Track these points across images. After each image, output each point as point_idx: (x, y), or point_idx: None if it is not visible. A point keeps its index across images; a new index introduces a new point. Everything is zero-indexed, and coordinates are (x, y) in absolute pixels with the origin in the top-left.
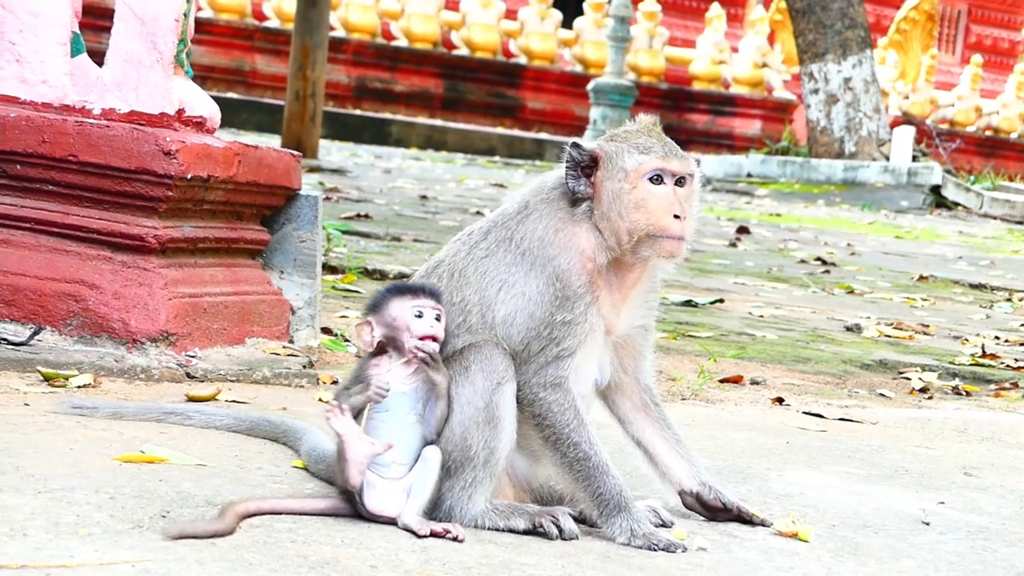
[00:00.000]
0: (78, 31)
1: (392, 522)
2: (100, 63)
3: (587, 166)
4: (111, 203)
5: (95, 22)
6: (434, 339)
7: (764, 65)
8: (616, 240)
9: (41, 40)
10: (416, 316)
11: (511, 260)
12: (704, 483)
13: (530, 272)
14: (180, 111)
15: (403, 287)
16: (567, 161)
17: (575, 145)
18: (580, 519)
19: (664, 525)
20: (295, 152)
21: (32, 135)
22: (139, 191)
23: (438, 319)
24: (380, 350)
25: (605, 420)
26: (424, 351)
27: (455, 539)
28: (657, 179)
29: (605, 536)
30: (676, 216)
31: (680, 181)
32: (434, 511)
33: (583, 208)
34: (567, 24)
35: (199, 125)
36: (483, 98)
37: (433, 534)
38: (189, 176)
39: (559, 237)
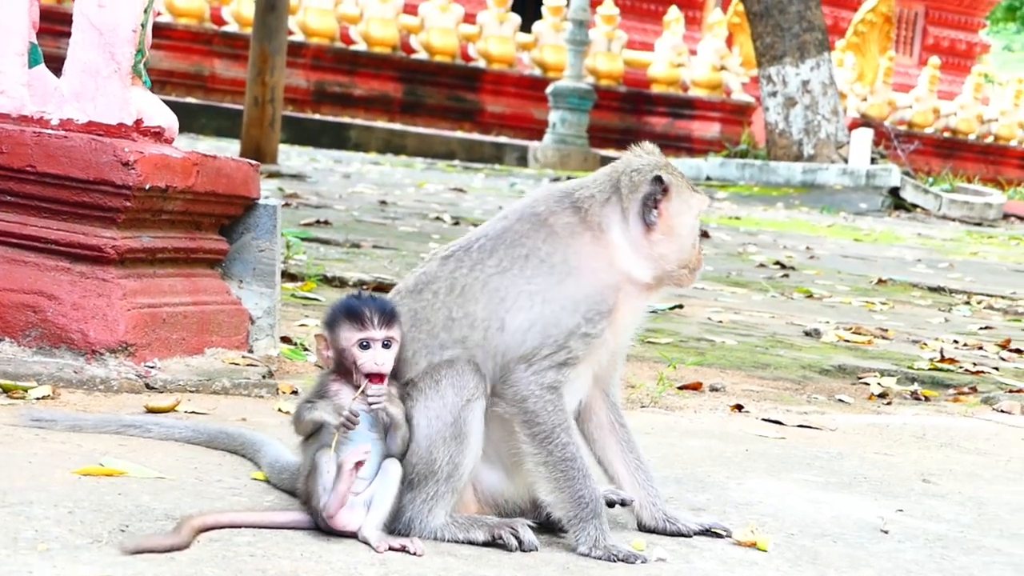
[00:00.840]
0: (35, 41)
1: (354, 535)
2: (57, 70)
3: (658, 198)
4: (69, 214)
5: (54, 27)
6: (380, 376)
7: (722, 68)
8: (665, 269)
9: None
10: (362, 348)
11: (533, 272)
12: (664, 518)
13: (564, 283)
14: (138, 121)
15: (353, 311)
16: (647, 196)
17: (659, 179)
18: (540, 528)
19: (624, 503)
20: (253, 162)
21: None
22: (97, 202)
23: (387, 346)
24: (339, 367)
25: None
26: (373, 404)
27: (413, 553)
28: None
29: (568, 543)
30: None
31: None
32: (394, 523)
33: (616, 230)
34: (526, 28)
35: (157, 135)
36: (442, 102)
37: (391, 549)
38: (147, 187)
39: (592, 251)
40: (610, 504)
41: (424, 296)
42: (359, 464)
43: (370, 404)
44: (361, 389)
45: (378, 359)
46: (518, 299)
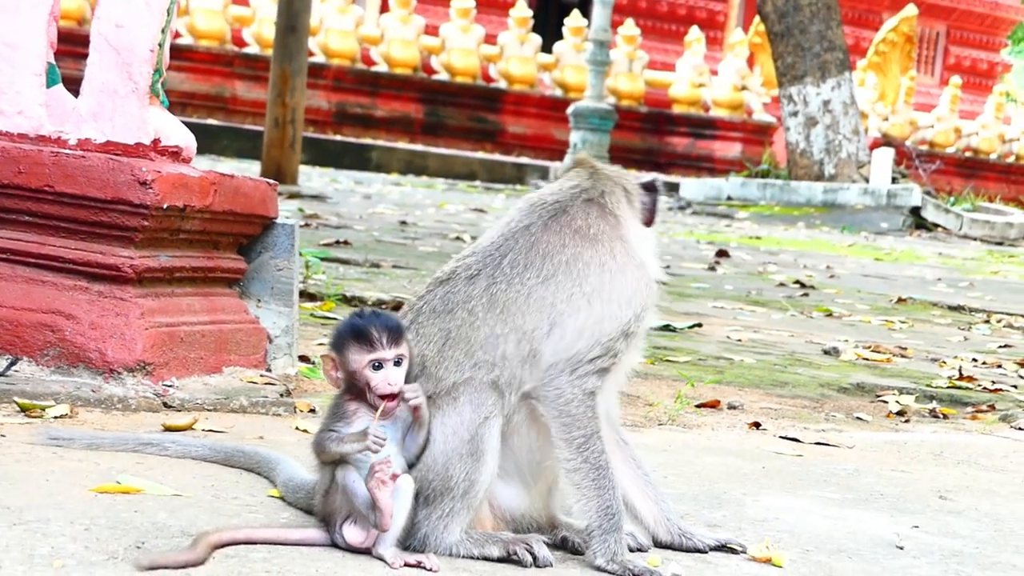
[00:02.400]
0: (53, 61)
1: (368, 551)
2: (76, 91)
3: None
4: (87, 233)
5: (73, 49)
6: (393, 397)
7: (744, 88)
8: (658, 272)
9: (17, 71)
10: (374, 369)
11: (579, 276)
12: (679, 532)
13: (615, 279)
14: (156, 141)
15: (360, 332)
16: (656, 200)
17: (655, 184)
18: (554, 547)
19: (640, 549)
20: (271, 181)
21: (8, 166)
22: (115, 221)
23: (398, 363)
24: (350, 387)
25: None
26: (413, 404)
27: (429, 569)
28: None
29: (588, 555)
30: None
31: None
32: (409, 539)
33: (634, 232)
34: (547, 48)
35: (175, 155)
36: (463, 123)
37: (407, 565)
38: (165, 206)
39: (630, 251)
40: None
41: (458, 315)
42: (394, 475)
43: (413, 404)
44: (380, 411)
45: (391, 379)
46: (571, 300)
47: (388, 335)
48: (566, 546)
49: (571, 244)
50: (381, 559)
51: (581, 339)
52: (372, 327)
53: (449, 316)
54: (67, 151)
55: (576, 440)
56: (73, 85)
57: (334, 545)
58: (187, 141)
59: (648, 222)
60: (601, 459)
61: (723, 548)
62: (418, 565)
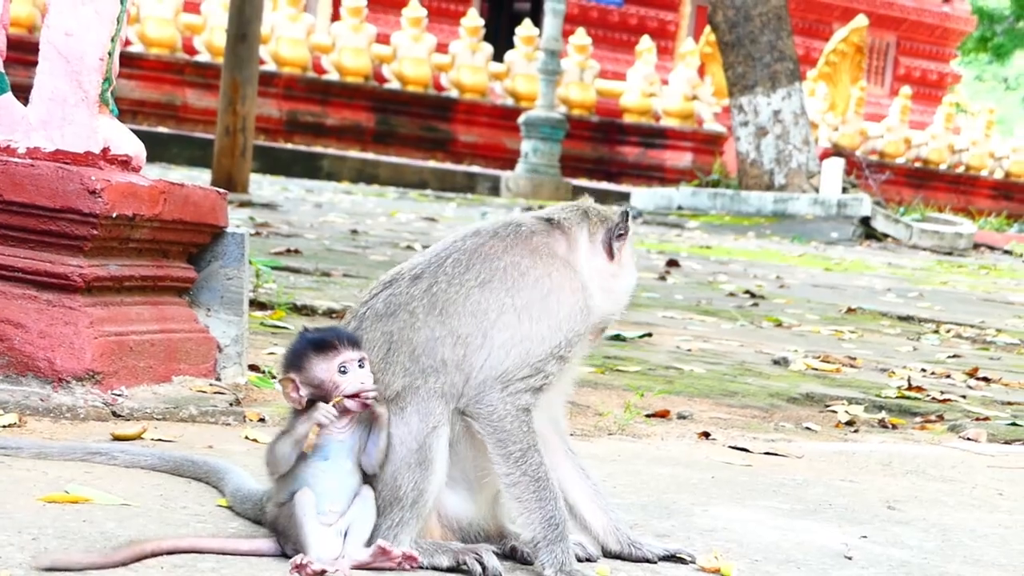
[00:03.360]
0: (2, 70)
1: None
2: (26, 99)
3: (621, 235)
4: (36, 242)
5: (23, 57)
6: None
7: (694, 98)
8: (614, 304)
9: None
10: (341, 373)
11: (514, 286)
12: (629, 542)
13: (547, 299)
14: (105, 150)
15: (320, 342)
16: (620, 227)
17: (627, 214)
18: (503, 556)
19: (589, 559)
20: (221, 190)
21: None
22: (64, 230)
23: (361, 365)
24: (310, 403)
25: None
26: (365, 403)
27: (418, 565)
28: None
29: (536, 567)
30: None
31: None
32: None
33: (584, 257)
34: (498, 57)
35: (124, 164)
36: (415, 132)
37: (406, 559)
38: (114, 215)
39: (568, 276)
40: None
41: (400, 317)
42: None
43: (366, 405)
44: (339, 396)
45: (362, 378)
46: (502, 314)
47: (346, 339)
48: (515, 556)
49: (512, 252)
50: (358, 565)
51: (509, 357)
52: (329, 335)
53: (391, 319)
54: (16, 160)
55: (513, 454)
56: (23, 93)
57: (284, 556)
58: (137, 150)
59: (609, 254)
60: (540, 471)
61: (672, 558)
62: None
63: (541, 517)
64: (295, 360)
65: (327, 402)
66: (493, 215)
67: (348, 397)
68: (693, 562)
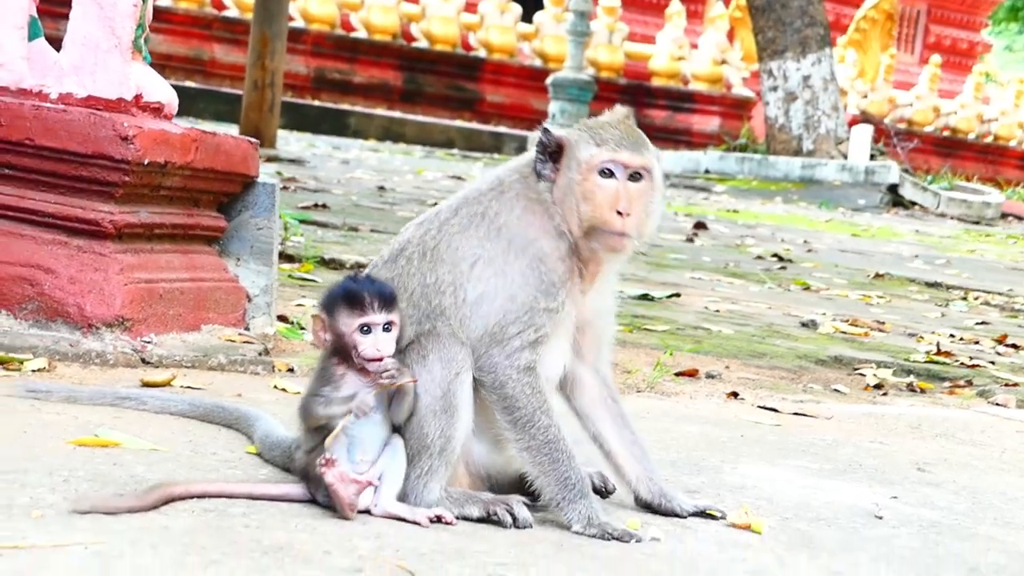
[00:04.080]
0: (36, 15)
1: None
2: (58, 49)
3: (554, 151)
4: (67, 188)
5: (53, 9)
6: (381, 360)
7: (723, 62)
8: (568, 228)
9: None
10: (363, 333)
11: (485, 234)
12: (660, 493)
13: (509, 251)
14: (137, 96)
15: (352, 295)
16: (537, 145)
17: (545, 130)
18: (533, 507)
19: (605, 488)
20: (252, 139)
21: None
22: (95, 176)
23: (387, 329)
24: (335, 350)
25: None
26: (383, 378)
27: (448, 523)
28: (608, 172)
29: (561, 523)
30: (619, 212)
31: (635, 176)
32: None
33: (550, 192)
34: (527, 18)
35: (156, 111)
36: (442, 91)
37: (437, 519)
38: (146, 162)
39: (537, 219)
40: (594, 490)
41: (399, 263)
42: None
43: (384, 380)
44: (372, 379)
45: (379, 344)
46: (474, 266)
47: (380, 300)
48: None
49: (488, 196)
50: (393, 516)
51: (492, 310)
52: (364, 291)
53: (393, 264)
54: (48, 105)
55: (520, 420)
56: (54, 45)
57: (313, 501)
58: (169, 97)
59: (541, 173)
60: (549, 433)
61: (702, 514)
62: (439, 520)
63: (556, 479)
64: (328, 303)
65: (347, 352)
66: None
67: (368, 361)
68: (723, 518)
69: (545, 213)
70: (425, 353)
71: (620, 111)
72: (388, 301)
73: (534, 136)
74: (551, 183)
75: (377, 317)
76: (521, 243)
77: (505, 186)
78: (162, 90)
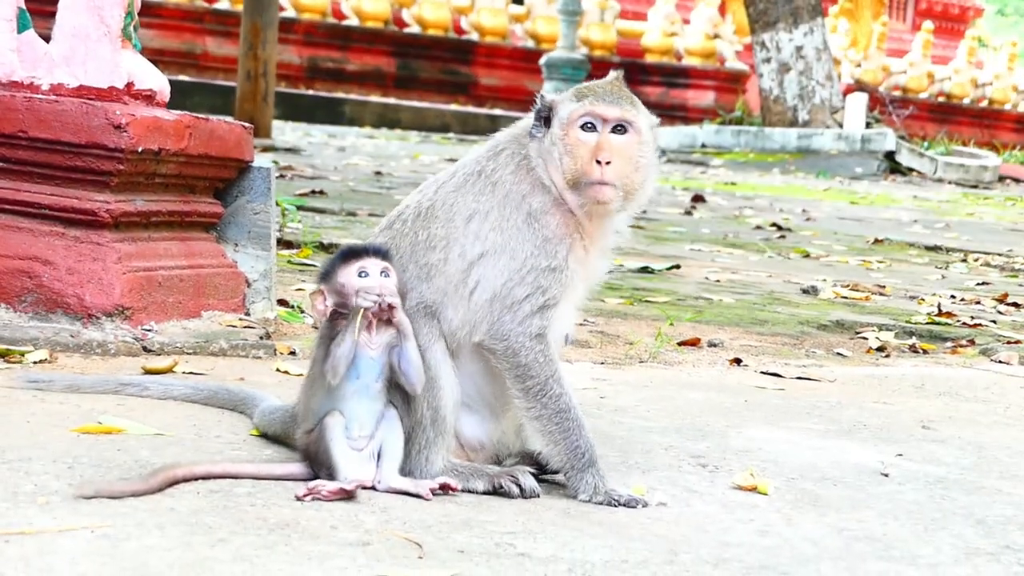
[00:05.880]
0: (24, 7)
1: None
2: (47, 40)
3: (547, 116)
4: (62, 178)
5: (42, 8)
6: (380, 295)
7: (716, 36)
8: (554, 184)
9: None
10: (361, 276)
11: (480, 190)
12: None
13: (504, 205)
14: (129, 84)
15: (347, 251)
16: (533, 110)
17: (541, 96)
18: (539, 477)
19: None
20: (246, 124)
21: None
22: (90, 165)
23: (385, 274)
24: (336, 316)
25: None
26: (380, 305)
27: (455, 490)
28: (589, 127)
29: (569, 491)
30: (598, 162)
31: (618, 129)
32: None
33: (534, 151)
34: (518, 0)
35: (149, 98)
36: (436, 75)
37: (439, 489)
38: (140, 149)
39: (528, 176)
40: None
41: (394, 227)
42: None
43: (377, 307)
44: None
45: (381, 283)
46: (470, 221)
47: (372, 249)
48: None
49: (485, 157)
50: (398, 491)
51: (494, 270)
52: (357, 246)
53: (388, 230)
54: (40, 96)
55: (532, 389)
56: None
57: (317, 479)
58: (161, 85)
59: (533, 134)
60: (561, 402)
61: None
62: (445, 489)
63: (567, 448)
64: (324, 271)
65: (345, 313)
66: None
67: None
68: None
69: (535, 171)
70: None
71: (611, 75)
72: (382, 252)
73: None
74: (536, 140)
75: (374, 261)
76: (515, 199)
77: (500, 147)
78: (153, 77)
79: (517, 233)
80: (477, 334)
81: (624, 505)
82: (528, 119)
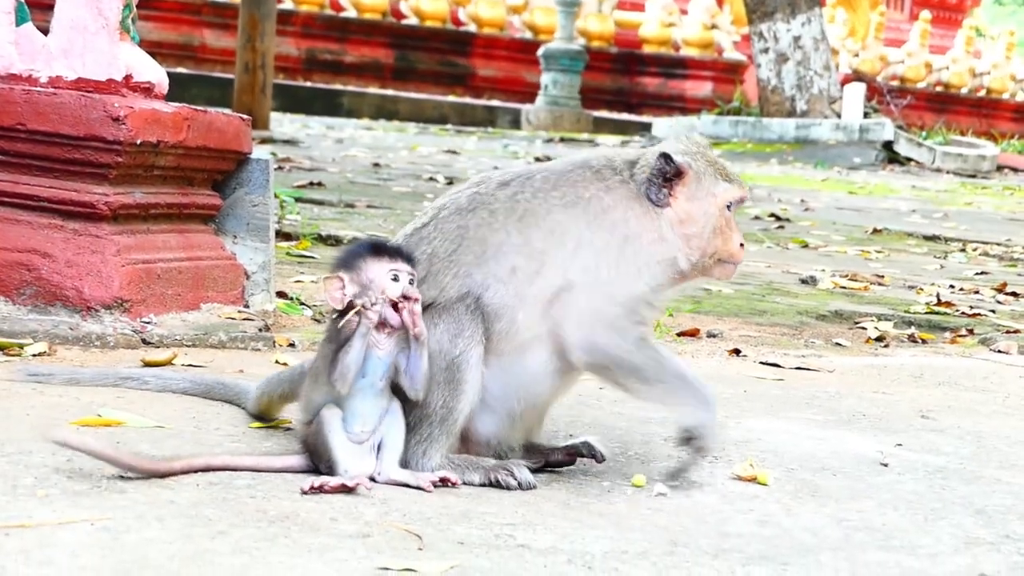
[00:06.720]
0: (22, 0)
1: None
2: (46, 33)
3: (670, 177)
4: (61, 171)
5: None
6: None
7: (714, 26)
8: (691, 256)
9: None
10: (392, 280)
11: (593, 222)
12: None
13: (624, 249)
14: (127, 77)
15: (379, 246)
16: (653, 170)
17: (666, 157)
18: (537, 470)
19: (597, 459)
20: (244, 116)
21: None
22: (89, 158)
23: (412, 281)
24: (348, 308)
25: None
26: (410, 319)
27: (454, 484)
28: (730, 207)
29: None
30: (742, 244)
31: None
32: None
33: (663, 212)
34: None
35: (147, 91)
36: (434, 67)
37: (442, 482)
38: (138, 141)
39: (651, 233)
40: (582, 455)
41: (479, 214)
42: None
43: (409, 319)
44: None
45: (407, 288)
46: (579, 249)
47: (403, 252)
48: (552, 467)
49: (594, 186)
50: (398, 483)
51: (596, 297)
52: (388, 245)
53: (471, 214)
54: (39, 89)
55: (650, 379)
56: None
57: (317, 472)
58: (159, 77)
59: (655, 199)
60: (674, 365)
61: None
62: (444, 483)
63: (694, 399)
64: (349, 259)
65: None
66: (514, 147)
67: (394, 305)
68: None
69: (658, 231)
70: (436, 321)
71: (701, 139)
72: (409, 256)
73: (648, 156)
74: (665, 207)
75: (405, 266)
76: (635, 247)
77: (610, 185)
78: (152, 70)
79: (633, 280)
80: (573, 352)
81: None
82: (620, 154)
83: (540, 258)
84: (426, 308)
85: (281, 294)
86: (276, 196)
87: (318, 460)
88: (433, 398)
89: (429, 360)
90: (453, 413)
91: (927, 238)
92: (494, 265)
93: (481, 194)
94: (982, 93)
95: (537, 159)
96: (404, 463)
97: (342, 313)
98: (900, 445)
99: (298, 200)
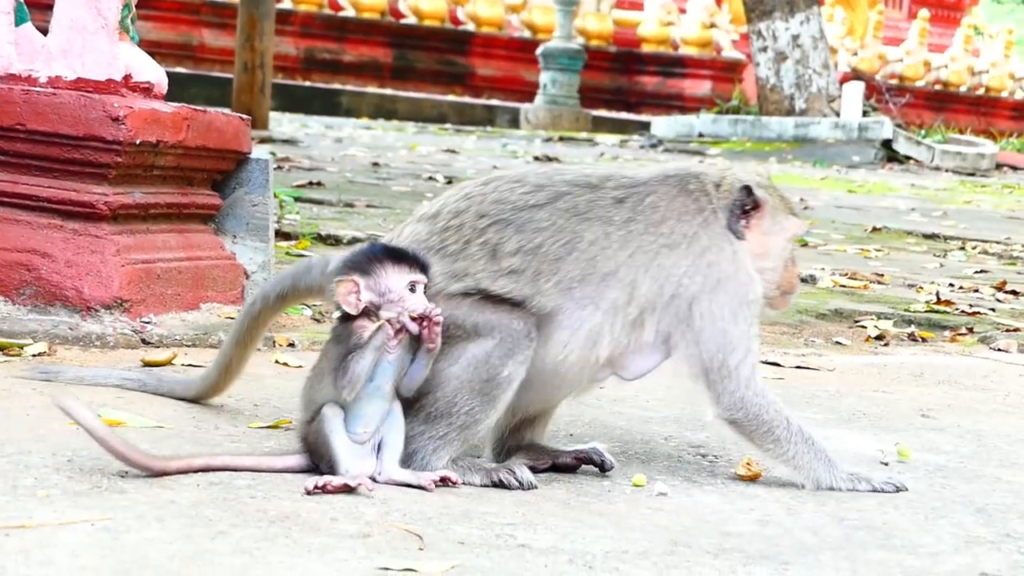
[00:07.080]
0: (21, 0)
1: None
2: (45, 33)
3: (748, 210)
4: (60, 171)
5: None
6: (421, 320)
7: (712, 25)
8: (767, 291)
9: None
10: (410, 291)
11: (702, 270)
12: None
13: (735, 295)
14: (127, 77)
15: (398, 253)
16: (735, 202)
17: (748, 190)
18: (536, 470)
19: (604, 467)
20: (244, 116)
21: None
22: (88, 158)
23: (426, 291)
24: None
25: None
26: (432, 335)
27: (454, 484)
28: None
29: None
30: (799, 275)
31: None
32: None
33: (742, 246)
34: None
35: (146, 91)
36: (432, 66)
37: (443, 481)
38: (138, 141)
39: (746, 269)
40: (590, 462)
41: (594, 229)
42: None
43: (431, 337)
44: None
45: (426, 303)
46: (697, 301)
47: (421, 260)
48: (558, 469)
49: (699, 226)
50: (399, 483)
51: (716, 346)
52: (407, 251)
53: (587, 224)
54: (38, 89)
55: (780, 437)
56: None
57: (317, 471)
58: (158, 77)
59: (735, 229)
60: (800, 429)
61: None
62: (444, 482)
63: (821, 464)
64: (365, 264)
65: (378, 315)
66: (513, 146)
67: (413, 319)
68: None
69: (747, 269)
70: (491, 327)
71: (764, 171)
72: (425, 265)
73: (731, 182)
74: (743, 239)
75: (423, 277)
76: (742, 289)
77: (707, 219)
78: (151, 70)
79: (746, 324)
80: (719, 410)
81: (880, 490)
82: (708, 170)
83: (640, 303)
84: (501, 299)
85: None
86: (275, 196)
87: (319, 459)
88: (461, 401)
89: (469, 362)
90: (477, 425)
91: (926, 236)
92: (594, 290)
93: (599, 204)
94: (981, 91)
95: (536, 158)
96: (408, 456)
97: (348, 314)
98: (900, 444)
99: (297, 200)
